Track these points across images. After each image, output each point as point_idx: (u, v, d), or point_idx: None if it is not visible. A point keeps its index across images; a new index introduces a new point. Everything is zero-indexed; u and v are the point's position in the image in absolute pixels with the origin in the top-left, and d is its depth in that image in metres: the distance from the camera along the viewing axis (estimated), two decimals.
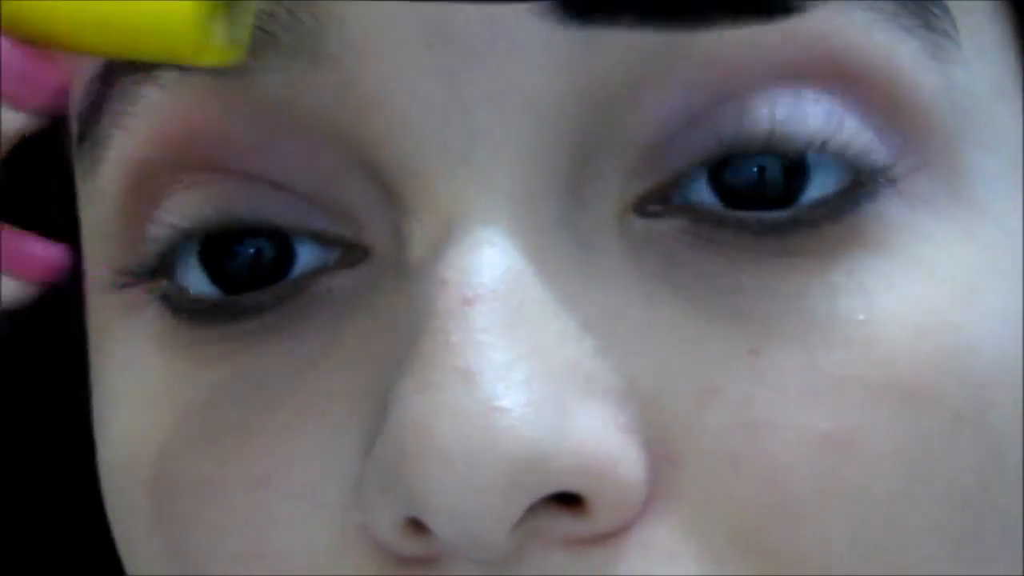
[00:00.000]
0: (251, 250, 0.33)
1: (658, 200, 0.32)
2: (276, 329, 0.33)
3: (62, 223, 0.38)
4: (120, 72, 0.33)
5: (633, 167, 0.32)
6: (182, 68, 0.32)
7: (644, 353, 0.31)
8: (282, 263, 0.33)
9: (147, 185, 0.34)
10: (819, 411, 0.31)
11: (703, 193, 0.32)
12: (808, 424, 0.30)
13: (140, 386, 0.35)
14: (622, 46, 0.31)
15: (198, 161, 0.33)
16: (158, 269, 0.34)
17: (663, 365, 0.31)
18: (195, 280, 0.34)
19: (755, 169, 0.32)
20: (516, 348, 0.29)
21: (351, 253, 0.33)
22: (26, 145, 0.39)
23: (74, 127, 0.36)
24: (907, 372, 0.31)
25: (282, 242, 0.33)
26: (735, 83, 0.31)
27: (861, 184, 0.32)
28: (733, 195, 0.32)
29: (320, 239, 0.33)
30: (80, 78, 0.35)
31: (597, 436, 0.30)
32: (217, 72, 0.32)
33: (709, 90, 0.31)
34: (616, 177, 0.32)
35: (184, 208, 0.33)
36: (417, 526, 0.30)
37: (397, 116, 0.31)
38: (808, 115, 0.31)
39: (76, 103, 0.35)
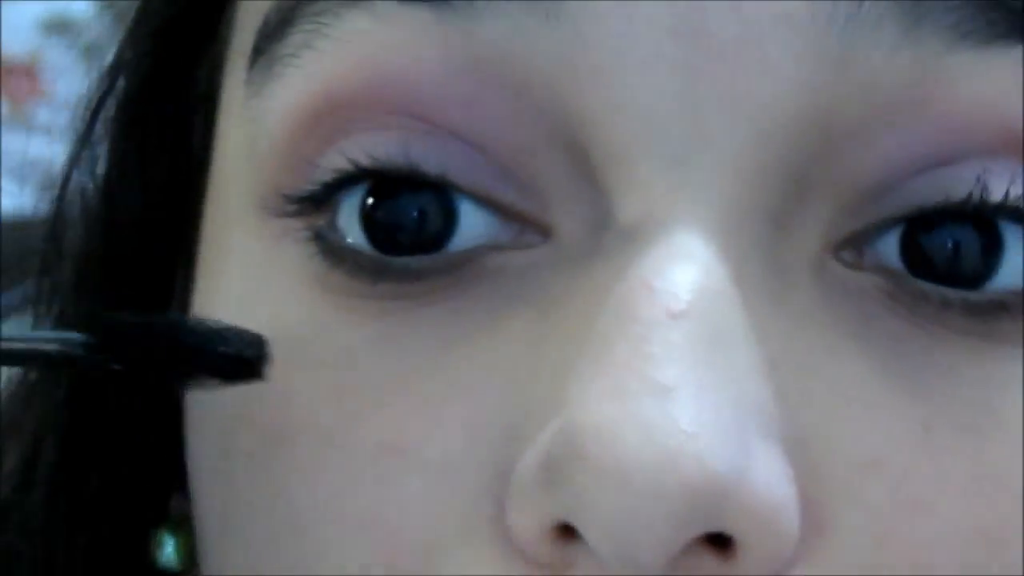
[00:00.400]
0: (414, 212, 0.32)
1: (853, 248, 0.31)
2: (435, 297, 0.31)
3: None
4: None
5: (844, 206, 0.30)
6: (402, 0, 0.31)
7: (820, 407, 0.30)
8: (447, 228, 0.32)
9: (329, 116, 0.32)
10: (979, 503, 0.30)
11: (893, 249, 0.31)
12: (965, 514, 0.30)
13: (273, 321, 0.32)
14: (872, 77, 0.30)
15: (394, 103, 0.31)
16: (323, 203, 0.32)
17: (836, 424, 0.30)
18: (353, 231, 0.32)
19: (950, 242, 0.31)
20: (715, 372, 0.28)
21: (529, 232, 0.31)
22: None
23: (242, 43, 0.34)
24: None
25: (448, 206, 0.32)
26: (970, 145, 0.30)
27: None
28: (922, 259, 0.31)
29: (500, 210, 0.31)
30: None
31: (772, 482, 0.28)
32: (441, 9, 0.30)
33: (941, 146, 0.30)
34: (825, 213, 0.30)
35: (364, 146, 0.31)
36: (565, 532, 0.29)
37: (623, 95, 0.30)
38: None
39: (253, 18, 0.34)
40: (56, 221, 0.41)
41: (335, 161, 0.32)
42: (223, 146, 0.35)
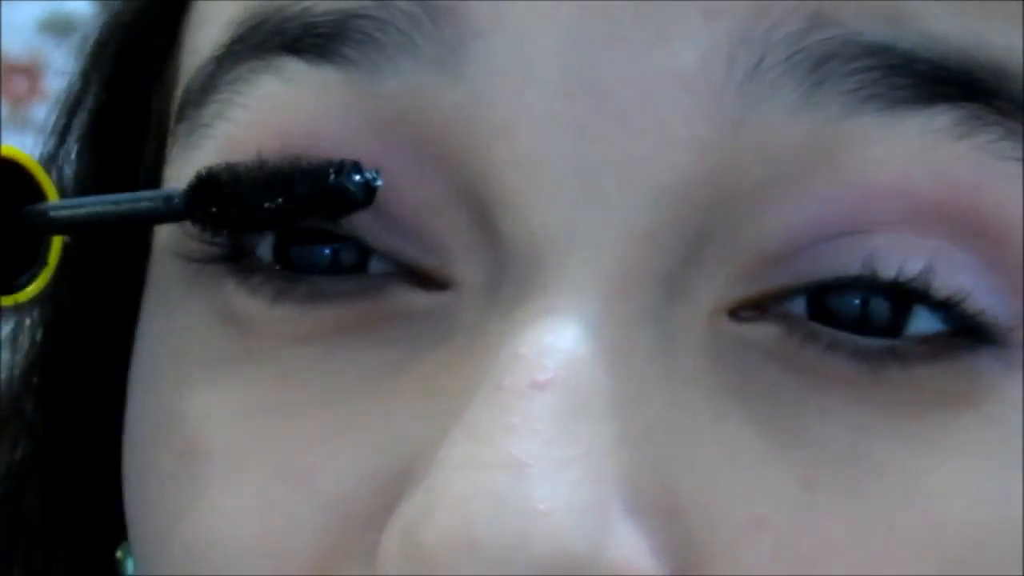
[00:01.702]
0: (327, 251, 0.32)
1: (754, 308, 0.30)
2: (353, 330, 0.32)
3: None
4: (238, 57, 0.32)
5: (740, 272, 0.30)
6: (310, 61, 0.31)
7: (699, 470, 0.29)
8: (359, 265, 0.32)
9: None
10: (859, 559, 0.29)
11: (800, 309, 0.30)
12: (846, 571, 0.29)
13: (194, 351, 0.33)
14: (770, 140, 0.29)
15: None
16: (233, 252, 0.33)
17: (715, 487, 0.29)
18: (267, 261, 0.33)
19: (858, 301, 0.30)
20: (573, 447, 0.28)
21: (431, 280, 0.32)
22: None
23: (174, 106, 0.35)
24: (954, 540, 0.30)
25: (361, 250, 0.32)
26: (870, 212, 0.30)
27: (967, 336, 0.30)
28: (830, 318, 0.30)
29: (400, 263, 0.32)
30: (193, 56, 0.34)
31: (631, 557, 0.28)
32: (346, 70, 0.31)
33: (843, 213, 0.30)
34: (720, 277, 0.30)
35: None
36: None
37: (520, 156, 0.30)
38: (936, 275, 0.30)
39: (182, 83, 0.34)
40: None
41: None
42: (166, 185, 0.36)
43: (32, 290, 0.34)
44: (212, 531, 0.32)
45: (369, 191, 0.30)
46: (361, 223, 0.31)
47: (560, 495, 0.28)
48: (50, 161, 0.42)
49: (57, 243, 0.34)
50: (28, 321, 0.42)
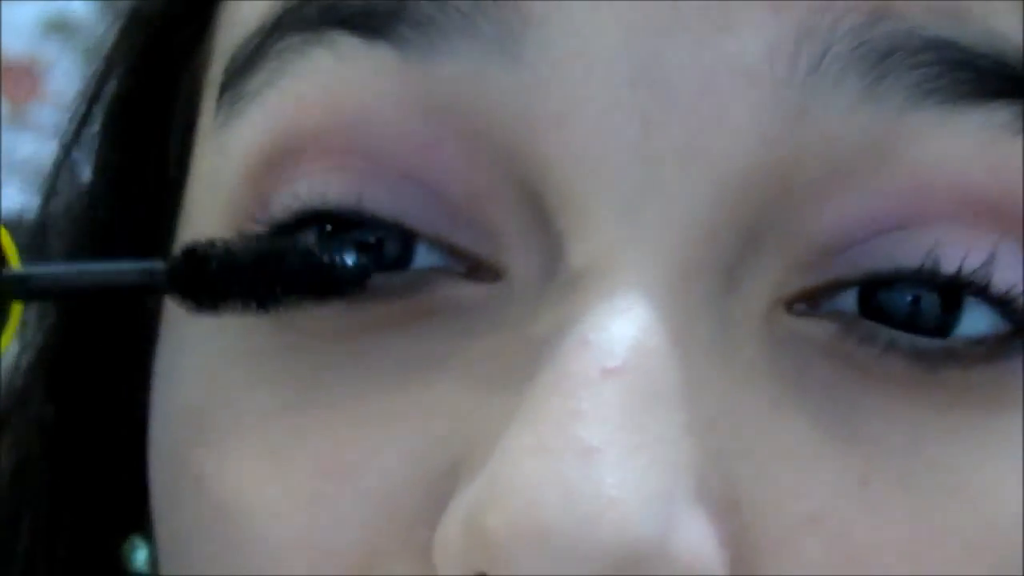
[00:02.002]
0: (371, 239, 0.31)
1: (807, 302, 0.30)
2: (390, 324, 0.31)
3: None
4: (289, 28, 0.32)
5: (798, 263, 0.30)
6: (366, 38, 0.31)
7: (757, 463, 0.29)
8: (402, 259, 0.31)
9: (286, 155, 0.32)
10: (915, 558, 0.29)
11: (851, 305, 0.30)
12: (900, 568, 0.29)
13: (231, 345, 0.33)
14: (831, 133, 0.29)
15: (351, 143, 0.31)
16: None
17: (772, 480, 0.29)
18: None
19: (909, 298, 0.30)
20: (643, 434, 0.28)
21: (483, 269, 0.31)
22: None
23: (208, 86, 0.35)
24: (1008, 538, 0.30)
25: (405, 241, 0.31)
26: (928, 206, 0.30)
27: (1020, 334, 0.30)
28: (881, 316, 0.30)
29: (450, 252, 0.31)
30: (236, 28, 0.33)
31: (698, 547, 0.28)
32: (402, 49, 0.30)
33: (902, 206, 0.30)
34: (778, 268, 0.30)
35: (318, 188, 0.31)
36: None
37: (579, 144, 0.29)
38: (996, 263, 0.30)
39: (225, 52, 0.34)
40: (42, 224, 0.42)
41: (288, 201, 0.32)
42: (196, 171, 0.35)
43: None
44: (256, 527, 0.31)
45: (362, 273, 0.30)
46: (411, 207, 0.31)
47: (630, 482, 0.27)
48: (63, 158, 0.41)
49: (17, 310, 0.32)
50: (35, 315, 0.42)
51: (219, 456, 0.32)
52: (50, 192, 0.42)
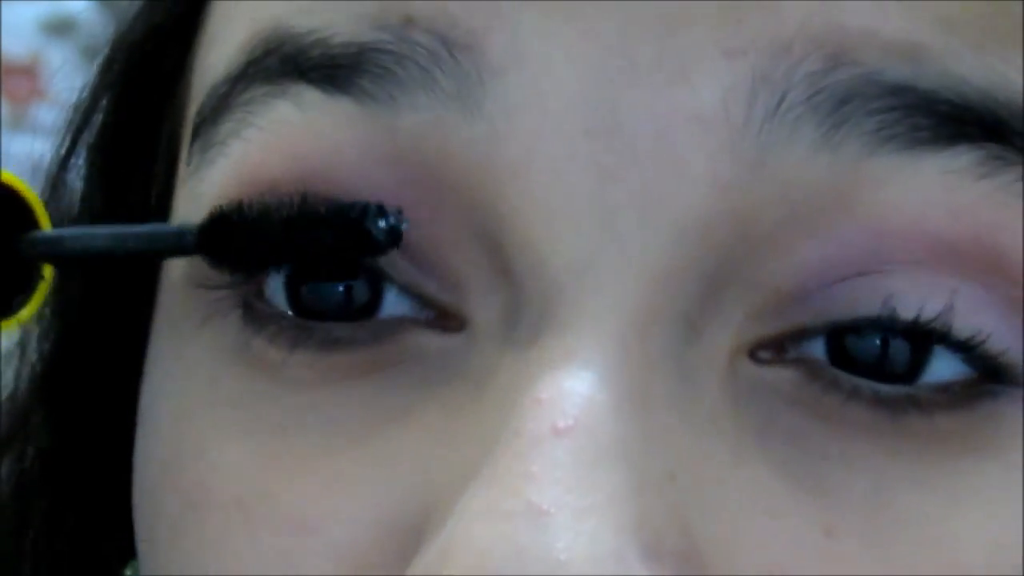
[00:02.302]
0: (340, 287, 0.32)
1: (772, 348, 0.30)
2: (357, 374, 0.31)
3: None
4: (253, 79, 0.32)
5: (759, 310, 0.30)
6: (326, 91, 0.31)
7: (719, 517, 0.29)
8: (372, 304, 0.32)
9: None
10: None
11: (819, 351, 0.30)
12: None
13: (202, 391, 0.33)
14: (790, 180, 0.29)
15: (315, 193, 0.31)
16: (249, 278, 0.32)
17: (735, 533, 0.29)
18: (279, 303, 0.32)
19: (878, 341, 0.30)
20: (594, 494, 0.28)
21: (448, 318, 0.31)
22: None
23: (186, 126, 0.35)
24: None
25: (373, 286, 0.32)
26: (889, 252, 0.29)
27: (986, 380, 0.30)
28: (848, 361, 0.30)
29: (416, 297, 0.31)
30: (208, 72, 0.34)
31: None
32: (363, 102, 0.30)
33: (862, 252, 0.29)
34: (739, 317, 0.30)
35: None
36: None
37: (536, 195, 0.29)
38: (956, 316, 0.29)
39: (198, 94, 0.34)
40: None
41: None
42: (175, 208, 0.36)
43: (26, 314, 0.33)
44: None
45: (394, 235, 0.30)
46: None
47: (580, 545, 0.27)
48: (55, 182, 0.42)
49: (50, 271, 0.33)
50: (36, 333, 0.42)
51: (191, 507, 0.32)
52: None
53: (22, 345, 0.42)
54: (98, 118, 0.41)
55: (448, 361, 0.31)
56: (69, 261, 0.34)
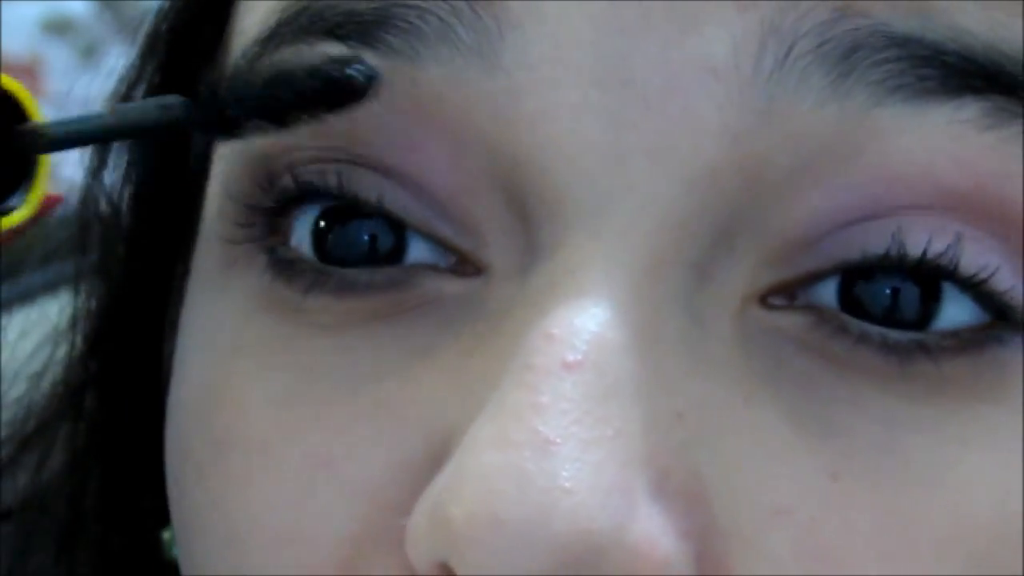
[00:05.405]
0: (365, 236, 0.33)
1: (783, 294, 0.31)
2: (386, 317, 0.32)
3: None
4: (281, 41, 0.33)
5: (769, 257, 0.30)
6: (351, 46, 0.31)
7: (726, 457, 0.30)
8: (396, 252, 0.33)
9: (284, 151, 0.33)
10: (884, 552, 0.29)
11: (830, 298, 0.31)
12: (870, 563, 0.29)
13: (230, 337, 0.34)
14: (798, 129, 0.30)
15: (337, 143, 0.32)
16: (279, 219, 0.33)
17: (741, 473, 0.30)
18: (304, 250, 0.33)
19: (888, 290, 0.31)
20: (601, 427, 0.28)
21: (465, 263, 0.32)
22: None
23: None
24: (981, 532, 0.30)
25: (398, 234, 0.33)
26: (896, 199, 0.30)
27: (994, 326, 0.30)
28: (860, 309, 0.30)
29: (437, 243, 0.32)
30: (242, 36, 0.35)
31: (656, 539, 0.28)
32: (386, 56, 0.31)
33: (869, 200, 0.30)
34: (749, 263, 0.30)
35: (314, 175, 0.33)
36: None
37: (552, 144, 0.30)
38: (964, 252, 0.30)
39: (233, 64, 0.35)
40: (84, 215, 0.43)
41: (287, 185, 0.33)
42: (213, 172, 0.36)
43: (25, 213, 0.33)
44: (246, 522, 0.32)
45: (370, 79, 0.31)
46: (399, 199, 0.32)
47: (585, 474, 0.28)
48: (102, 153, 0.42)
49: (45, 163, 0.33)
50: (82, 307, 0.43)
51: (216, 449, 0.33)
52: (91, 187, 0.43)
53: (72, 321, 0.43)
54: (140, 91, 0.41)
55: (466, 304, 0.32)
56: (63, 144, 0.33)
